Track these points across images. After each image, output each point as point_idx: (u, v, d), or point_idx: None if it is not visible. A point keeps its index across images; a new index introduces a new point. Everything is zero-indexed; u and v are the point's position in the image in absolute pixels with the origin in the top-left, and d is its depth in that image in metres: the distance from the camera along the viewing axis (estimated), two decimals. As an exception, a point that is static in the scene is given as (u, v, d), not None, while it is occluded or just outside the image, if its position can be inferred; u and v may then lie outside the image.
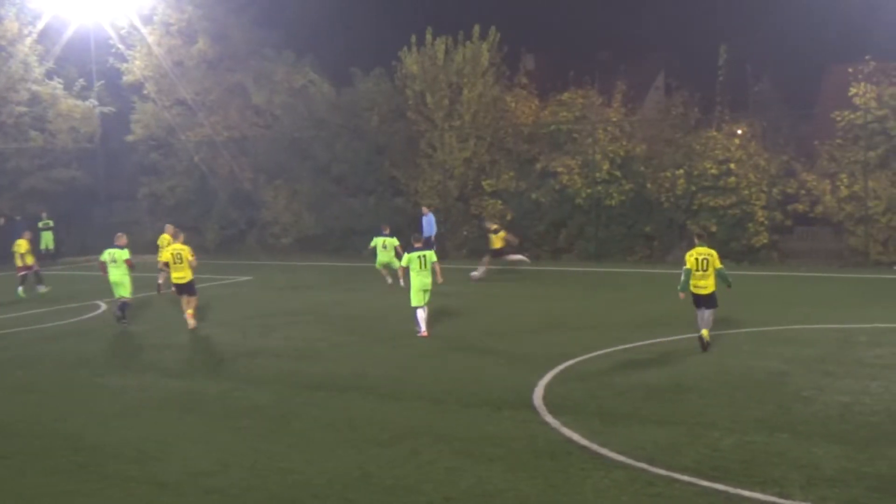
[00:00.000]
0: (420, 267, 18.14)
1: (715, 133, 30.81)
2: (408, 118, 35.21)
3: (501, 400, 13.12)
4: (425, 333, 18.20)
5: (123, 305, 20.71)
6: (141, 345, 18.76)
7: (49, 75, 39.82)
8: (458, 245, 34.39)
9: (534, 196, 32.73)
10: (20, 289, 26.80)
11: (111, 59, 39.99)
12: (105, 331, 20.72)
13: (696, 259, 16.01)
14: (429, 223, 31.34)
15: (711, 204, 29.84)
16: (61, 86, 39.96)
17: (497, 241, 27.56)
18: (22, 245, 27.14)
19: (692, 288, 16.06)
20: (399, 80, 35.40)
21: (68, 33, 39.89)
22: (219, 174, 39.06)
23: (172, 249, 20.13)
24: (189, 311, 19.96)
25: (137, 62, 39.54)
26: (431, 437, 11.42)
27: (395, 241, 25.82)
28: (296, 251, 36.78)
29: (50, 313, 23.30)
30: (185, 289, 20.11)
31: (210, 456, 11.06)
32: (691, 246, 16.75)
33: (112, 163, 41.76)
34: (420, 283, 18.19)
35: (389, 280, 26.08)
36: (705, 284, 16.02)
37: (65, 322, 21.96)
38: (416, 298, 18.26)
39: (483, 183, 33.93)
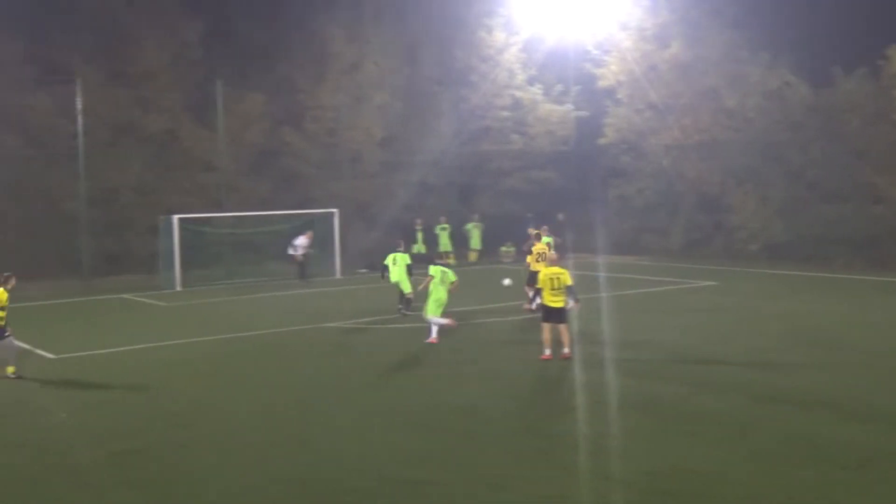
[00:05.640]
0: None
1: None
2: (892, 121, 32.65)
3: None
4: None
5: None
6: (604, 342, 19.18)
7: (530, 81, 42.19)
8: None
9: None
10: None
11: (587, 65, 41.36)
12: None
13: None
14: None
15: None
16: (541, 91, 42.17)
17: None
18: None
19: None
20: (885, 79, 32.91)
21: (549, 42, 41.95)
22: (686, 178, 38.94)
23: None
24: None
25: (612, 67, 40.51)
26: (903, 466, 10.53)
27: (406, 258, 23.87)
28: (763, 258, 35.61)
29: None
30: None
31: (663, 458, 11.08)
32: None
33: (584, 165, 43.23)
34: None
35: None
36: None
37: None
38: None
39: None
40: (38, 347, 19.74)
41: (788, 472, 10.48)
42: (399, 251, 24.20)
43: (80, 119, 32.35)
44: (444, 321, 19.65)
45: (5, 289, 16.97)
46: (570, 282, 17.47)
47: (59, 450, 12.13)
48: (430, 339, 19.52)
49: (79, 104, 32.26)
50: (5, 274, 17.13)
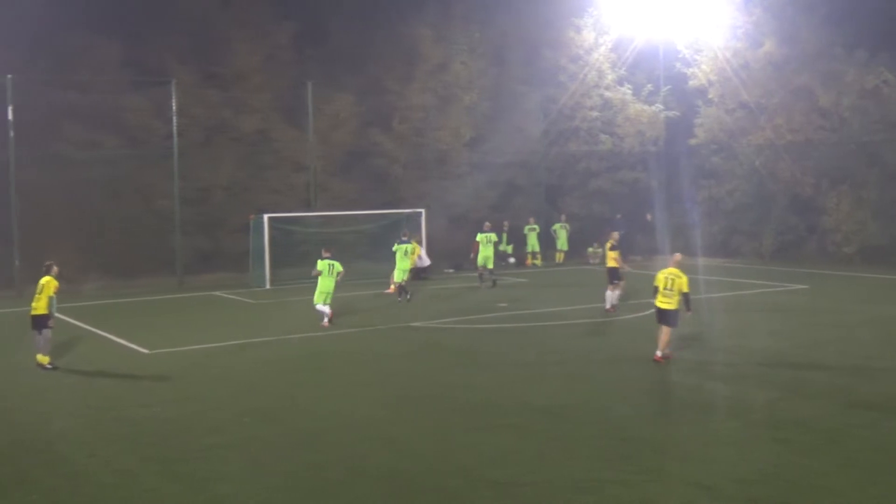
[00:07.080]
0: None
1: None
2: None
3: None
4: None
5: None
6: (694, 345, 18.93)
7: (619, 82, 41.83)
8: None
9: None
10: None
11: (678, 65, 40.81)
12: (630, 327, 21.31)
13: None
14: None
15: None
16: (630, 91, 41.75)
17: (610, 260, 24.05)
18: None
19: None
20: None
21: (639, 41, 41.52)
22: (778, 178, 38.17)
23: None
24: None
25: (703, 66, 39.91)
26: None
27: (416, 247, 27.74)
28: (858, 261, 34.73)
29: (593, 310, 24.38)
30: None
31: (752, 464, 10.92)
32: None
33: (673, 166, 42.68)
34: None
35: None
36: None
37: (621, 318, 22.94)
38: None
39: None
40: (132, 342, 20.29)
41: (882, 480, 10.24)
42: (404, 241, 27.08)
43: (174, 120, 33.06)
44: (325, 311, 22.03)
45: (52, 276, 17.55)
46: (686, 288, 17.02)
47: (151, 442, 12.45)
48: (323, 324, 21.95)
49: (174, 105, 33.00)
50: (47, 263, 17.76)
